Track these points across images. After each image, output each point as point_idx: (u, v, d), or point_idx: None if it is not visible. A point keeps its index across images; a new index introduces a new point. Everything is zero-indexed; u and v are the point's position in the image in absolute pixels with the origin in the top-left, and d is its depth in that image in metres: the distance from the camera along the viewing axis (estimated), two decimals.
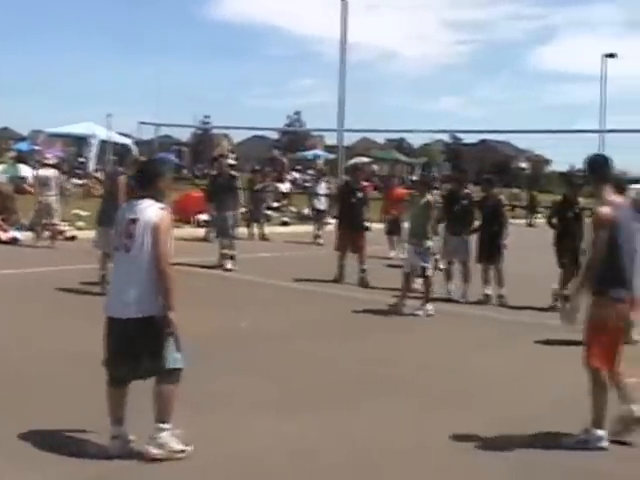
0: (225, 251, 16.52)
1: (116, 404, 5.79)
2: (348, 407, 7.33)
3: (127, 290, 5.65)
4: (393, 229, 19.74)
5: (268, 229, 24.60)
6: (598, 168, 6.74)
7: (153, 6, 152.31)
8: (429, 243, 12.50)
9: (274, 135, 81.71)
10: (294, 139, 77.92)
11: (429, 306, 12.39)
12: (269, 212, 27.85)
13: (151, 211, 5.70)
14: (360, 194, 15.94)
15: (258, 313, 11.80)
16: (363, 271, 15.31)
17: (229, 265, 16.30)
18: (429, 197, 12.66)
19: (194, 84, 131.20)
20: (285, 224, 28.10)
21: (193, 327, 10.17)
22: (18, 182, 25.50)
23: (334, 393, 7.78)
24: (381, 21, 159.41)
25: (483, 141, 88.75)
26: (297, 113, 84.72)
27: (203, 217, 22.99)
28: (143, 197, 5.80)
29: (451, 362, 9.41)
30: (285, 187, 34.97)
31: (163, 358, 5.62)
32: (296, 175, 43.63)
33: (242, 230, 20.15)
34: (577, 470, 6.08)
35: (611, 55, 55.18)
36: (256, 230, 23.78)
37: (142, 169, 6.25)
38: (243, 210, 20.37)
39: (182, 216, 24.04)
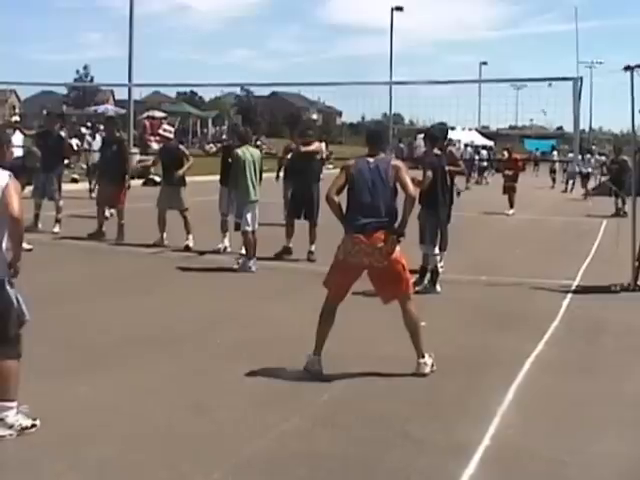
0: (41, 212, 15.74)
1: None
2: (142, 363, 7.27)
3: None
4: None
5: None
6: (378, 138, 7.59)
7: None
8: (250, 198, 12.33)
9: (63, 90, 78.98)
10: (83, 94, 75.70)
11: (251, 262, 12.21)
12: None
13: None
14: (114, 147, 15.58)
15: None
16: (121, 226, 15.05)
17: (57, 229, 15.65)
18: (237, 151, 12.47)
19: None
20: (75, 181, 27.32)
21: None
22: None
23: (124, 350, 7.66)
24: None
25: (274, 93, 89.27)
26: (86, 67, 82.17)
27: None
28: None
29: (243, 313, 9.49)
30: (74, 143, 33.82)
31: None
32: (86, 131, 42.28)
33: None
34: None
35: (399, 8, 56.69)
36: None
37: None
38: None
39: None
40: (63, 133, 17.24)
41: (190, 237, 14.09)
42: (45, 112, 18.64)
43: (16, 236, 5.39)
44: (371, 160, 7.26)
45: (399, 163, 7.40)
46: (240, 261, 12.33)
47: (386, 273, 7.07)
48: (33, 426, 5.48)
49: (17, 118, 20.81)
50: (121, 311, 9.32)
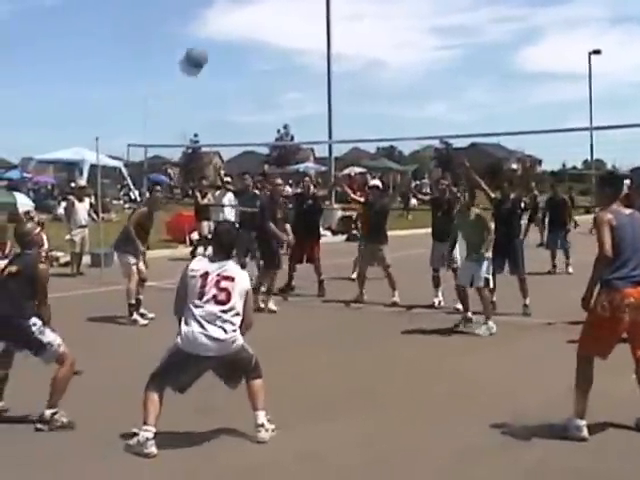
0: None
1: None
2: (352, 414, 7.39)
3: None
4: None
5: None
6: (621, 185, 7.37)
7: (138, 30, 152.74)
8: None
9: (264, 150, 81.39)
10: (284, 153, 77.59)
11: (491, 322, 11.43)
12: None
13: (244, 276, 6.77)
14: (311, 202, 15.62)
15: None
16: (321, 282, 15.08)
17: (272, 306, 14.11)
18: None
19: (182, 104, 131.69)
20: None
21: None
22: (12, 210, 24.63)
23: (336, 401, 7.83)
24: (366, 30, 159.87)
25: (473, 144, 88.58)
26: (285, 127, 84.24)
27: (195, 236, 22.71)
28: (227, 259, 6.78)
29: (447, 368, 9.40)
30: None
31: None
32: (289, 189, 43.62)
33: None
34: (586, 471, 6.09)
35: (596, 52, 55.37)
36: None
37: (219, 236, 7.00)
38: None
39: (175, 236, 24.02)
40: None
41: (396, 293, 13.91)
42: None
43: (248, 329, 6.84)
44: (626, 212, 6.95)
45: None
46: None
47: None
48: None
49: (228, 179, 21.06)
50: (333, 364, 9.48)
